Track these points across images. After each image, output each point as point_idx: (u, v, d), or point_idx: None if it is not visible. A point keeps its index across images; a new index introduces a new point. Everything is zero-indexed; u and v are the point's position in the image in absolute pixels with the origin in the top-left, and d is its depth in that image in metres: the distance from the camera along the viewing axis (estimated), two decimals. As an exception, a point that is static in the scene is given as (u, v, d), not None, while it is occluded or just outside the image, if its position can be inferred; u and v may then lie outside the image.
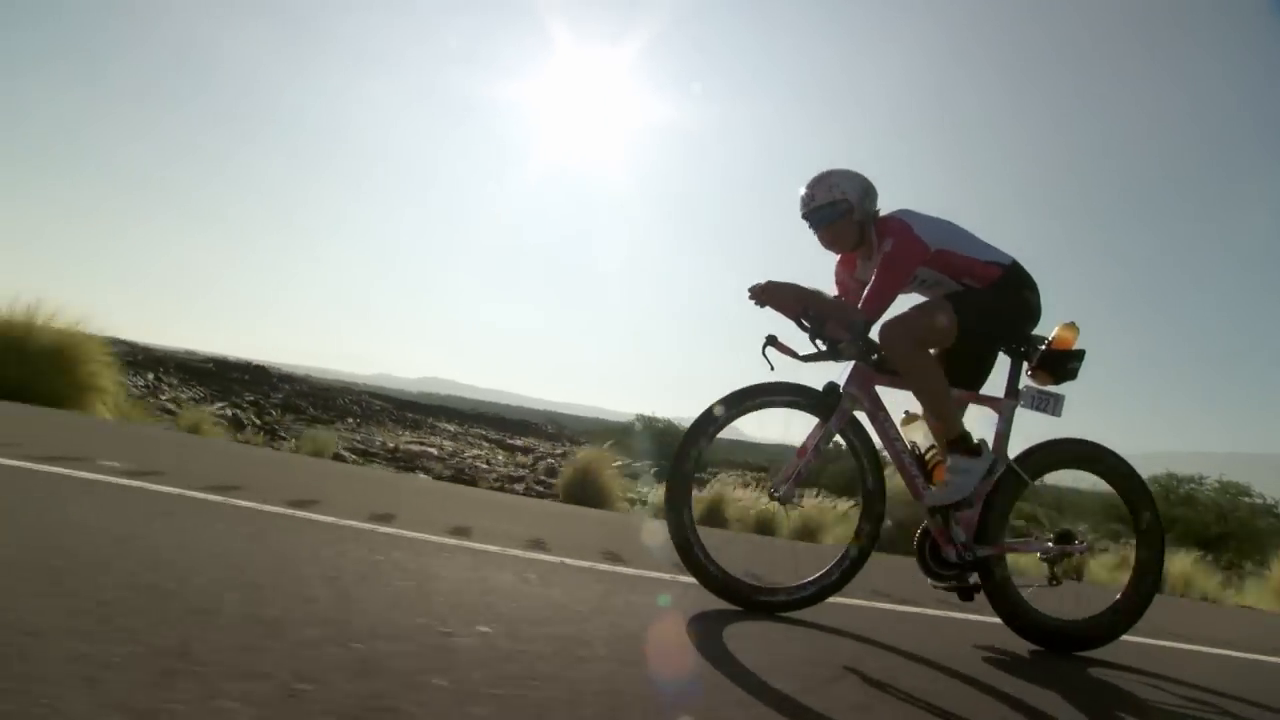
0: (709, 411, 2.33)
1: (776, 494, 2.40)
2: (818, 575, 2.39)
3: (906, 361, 2.40)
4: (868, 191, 2.49)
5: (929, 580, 2.52)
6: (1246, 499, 19.17)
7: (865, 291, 2.40)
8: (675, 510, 2.30)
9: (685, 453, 2.32)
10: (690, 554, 2.29)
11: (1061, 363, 2.54)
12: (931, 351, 2.51)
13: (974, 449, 2.42)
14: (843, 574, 2.39)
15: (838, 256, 2.69)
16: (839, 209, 2.47)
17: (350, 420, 16.19)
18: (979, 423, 2.51)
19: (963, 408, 2.52)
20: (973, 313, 2.45)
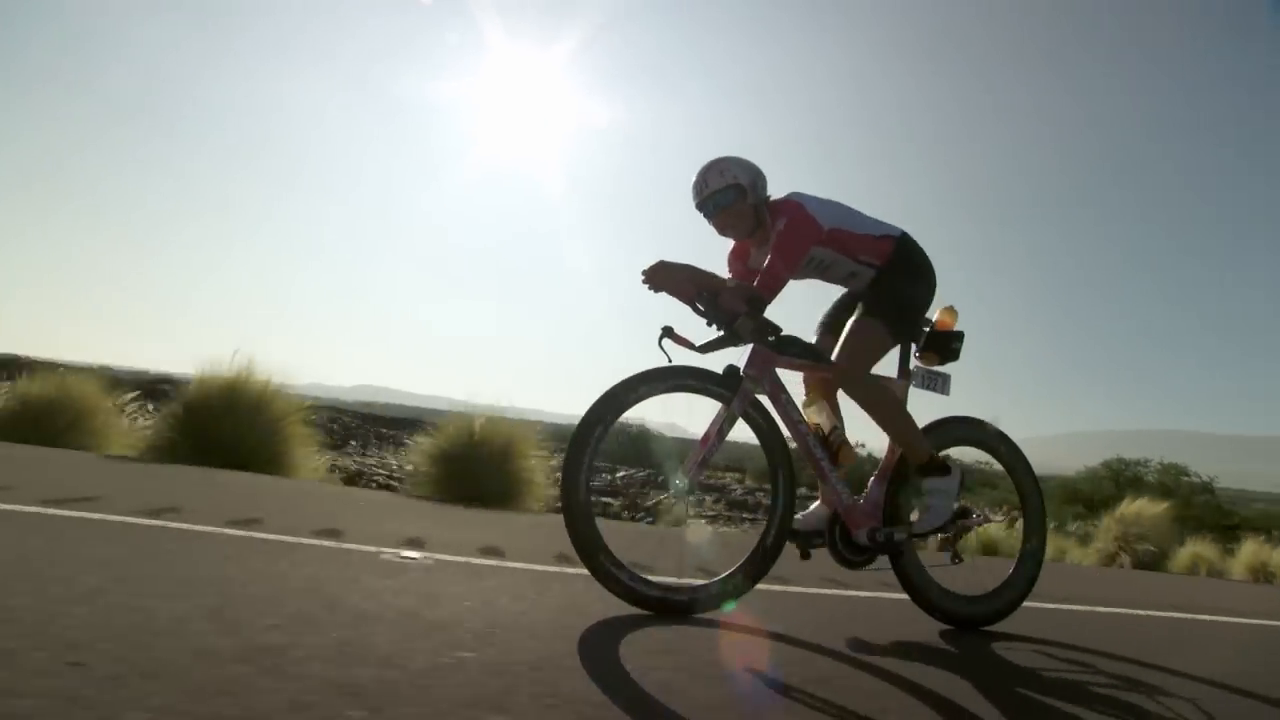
0: (605, 399, 2.17)
1: (679, 484, 2.25)
2: (734, 568, 2.25)
3: (868, 398, 2.42)
4: (759, 177, 2.46)
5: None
6: (1186, 478, 21.46)
7: (762, 271, 2.36)
8: (571, 505, 2.11)
9: (581, 445, 2.14)
10: (588, 550, 2.10)
11: (946, 344, 2.62)
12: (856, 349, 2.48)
13: (944, 468, 2.48)
14: (758, 565, 2.27)
15: (730, 245, 2.65)
16: (731, 194, 2.43)
17: (353, 443, 13.47)
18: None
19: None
20: (891, 307, 2.49)
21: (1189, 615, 3.85)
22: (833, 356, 2.46)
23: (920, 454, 2.46)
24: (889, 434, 2.47)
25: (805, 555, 2.47)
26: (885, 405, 2.43)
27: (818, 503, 2.55)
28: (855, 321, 2.48)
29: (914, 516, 2.49)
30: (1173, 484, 20.81)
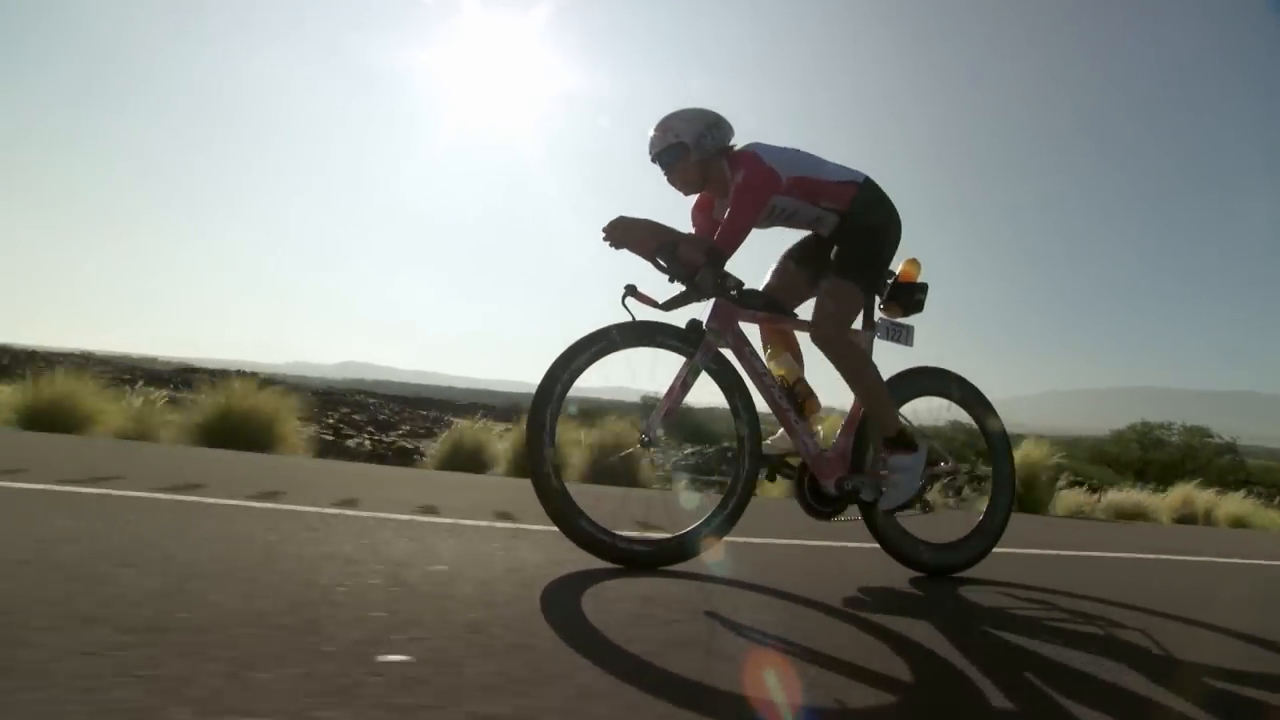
0: (565, 356, 2.12)
1: (646, 437, 2.22)
2: (699, 522, 2.23)
3: (845, 361, 2.39)
4: (711, 128, 2.40)
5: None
6: (1209, 440, 22.10)
7: (721, 224, 2.31)
8: (536, 461, 2.07)
9: (543, 402, 2.10)
10: (554, 505, 2.07)
11: (910, 295, 2.60)
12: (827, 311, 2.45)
13: (911, 444, 2.45)
14: (731, 511, 2.25)
15: (694, 199, 2.60)
16: (674, 152, 2.38)
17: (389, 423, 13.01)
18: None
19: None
20: (862, 261, 2.47)
21: (1147, 556, 3.94)
22: (810, 315, 2.45)
23: (890, 426, 2.44)
24: (862, 399, 2.44)
25: (771, 478, 2.46)
26: (863, 371, 2.41)
27: (781, 430, 2.48)
28: (829, 283, 2.45)
29: (882, 490, 2.44)
30: (1198, 445, 21.55)
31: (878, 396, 2.42)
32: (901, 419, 2.50)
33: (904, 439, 2.45)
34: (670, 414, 2.23)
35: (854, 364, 2.40)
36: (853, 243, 2.47)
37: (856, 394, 2.43)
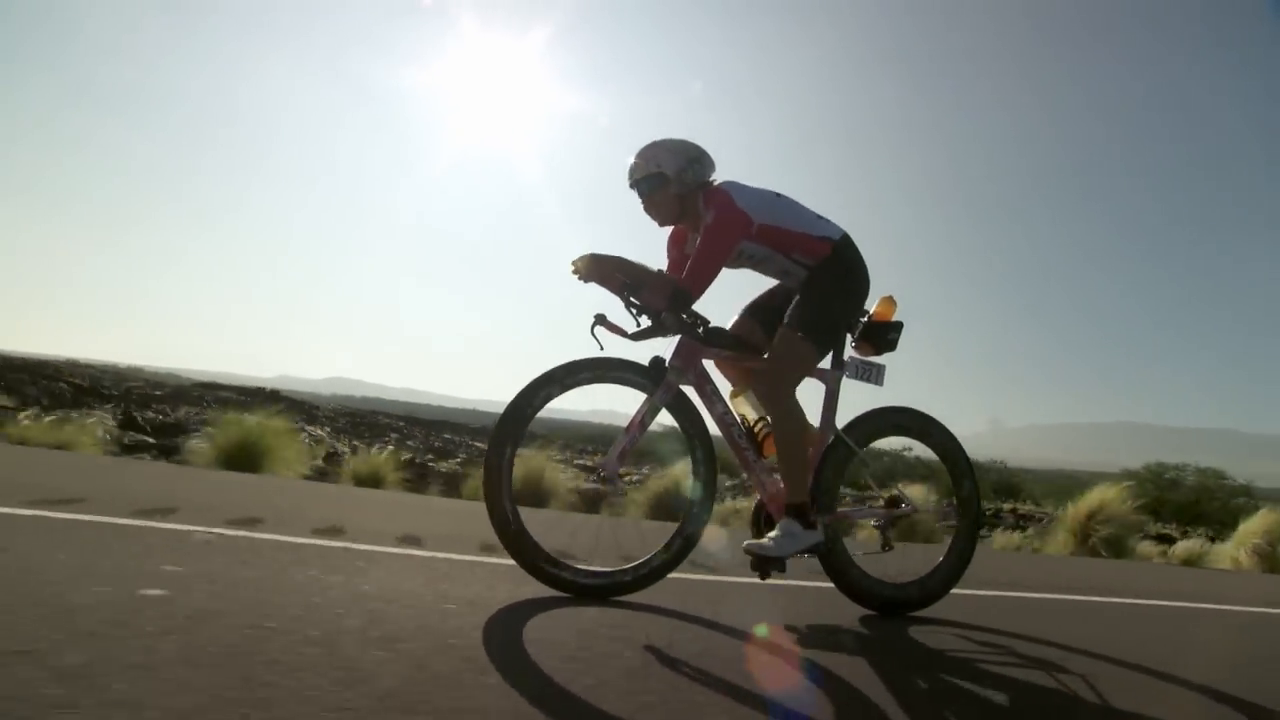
0: (528, 390, 2.23)
1: (603, 472, 2.31)
2: (648, 556, 2.32)
3: (777, 419, 2.39)
4: (693, 162, 2.44)
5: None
6: (1223, 481, 22.02)
7: (689, 264, 2.38)
8: (494, 493, 2.18)
9: (504, 435, 2.20)
10: (510, 537, 2.18)
11: (882, 334, 2.63)
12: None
13: (810, 521, 2.37)
14: (675, 553, 2.33)
15: (669, 230, 2.67)
16: (654, 181, 2.44)
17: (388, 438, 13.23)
18: (806, 393, 2.55)
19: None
20: (819, 322, 2.47)
21: (1119, 599, 3.90)
22: (760, 362, 2.48)
23: (799, 495, 2.37)
24: (781, 459, 2.40)
25: (765, 575, 2.40)
26: (790, 436, 2.37)
27: (774, 531, 2.40)
28: (782, 334, 2.44)
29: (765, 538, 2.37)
30: (1214, 486, 21.34)
31: (796, 462, 2.37)
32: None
33: (804, 514, 2.36)
34: (626, 452, 2.32)
35: (784, 424, 2.37)
36: (815, 300, 2.47)
37: (777, 449, 2.41)
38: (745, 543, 2.38)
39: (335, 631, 1.58)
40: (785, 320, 2.48)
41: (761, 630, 2.10)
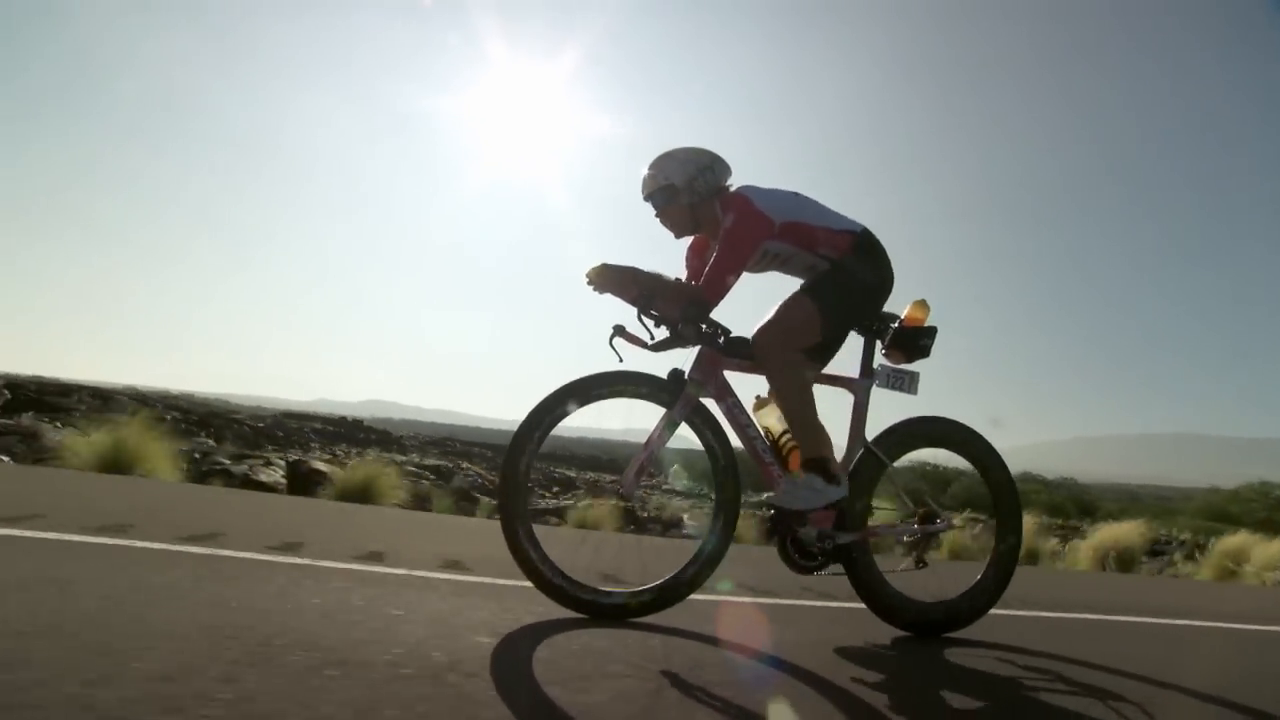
0: (542, 406, 2.17)
1: (621, 490, 2.24)
2: (672, 574, 2.24)
3: (779, 376, 2.32)
4: (704, 170, 2.39)
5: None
6: None
7: (706, 269, 2.31)
8: (508, 511, 2.12)
9: (518, 451, 2.14)
10: (524, 556, 2.12)
11: (914, 340, 2.51)
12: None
13: (833, 477, 2.29)
14: (697, 573, 2.25)
15: (688, 240, 2.60)
16: (665, 194, 2.39)
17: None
18: (833, 403, 2.44)
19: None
20: (833, 295, 2.39)
21: (1164, 620, 3.66)
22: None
23: (816, 450, 2.30)
24: (788, 419, 2.35)
25: (782, 538, 2.32)
26: (794, 388, 2.31)
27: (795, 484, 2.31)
28: (791, 297, 2.40)
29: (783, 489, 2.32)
30: None
31: (805, 419, 2.29)
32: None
33: (823, 466, 2.29)
34: (644, 469, 2.25)
35: (785, 376, 2.30)
36: (832, 277, 2.40)
37: (782, 408, 2.34)
38: (765, 495, 2.31)
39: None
40: (801, 286, 2.42)
41: (725, 585, 1.98)
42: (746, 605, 2.76)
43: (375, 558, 2.87)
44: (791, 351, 2.33)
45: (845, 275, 2.41)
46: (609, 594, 2.18)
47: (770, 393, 2.51)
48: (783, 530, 2.36)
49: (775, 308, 2.40)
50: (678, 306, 2.26)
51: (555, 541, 2.21)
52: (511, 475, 2.13)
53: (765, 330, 2.35)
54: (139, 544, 2.57)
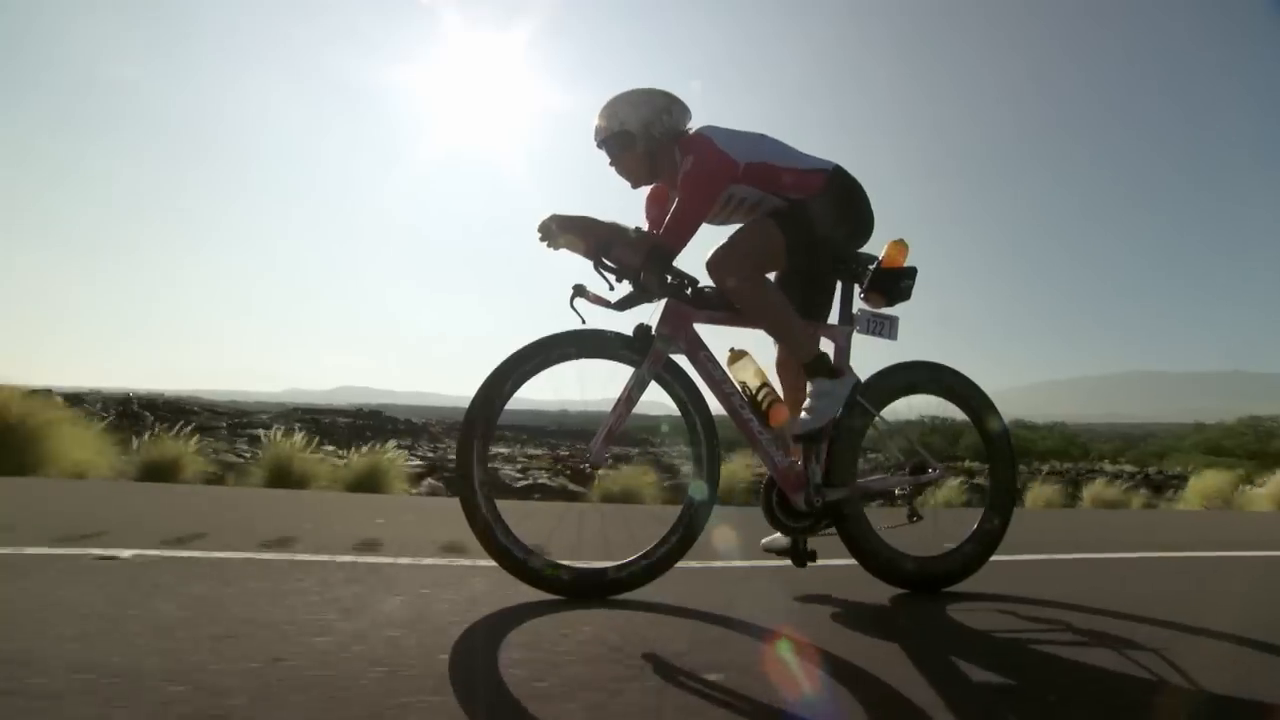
0: (499, 372, 1.97)
1: (589, 459, 2.05)
2: (652, 545, 2.07)
3: (743, 293, 2.15)
4: (661, 113, 2.20)
5: (772, 537, 2.29)
6: None
7: (668, 217, 2.12)
8: (467, 483, 1.93)
9: (471, 430, 1.95)
10: (490, 536, 1.93)
11: (894, 282, 2.34)
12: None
13: (833, 370, 2.23)
14: (681, 540, 2.08)
15: (646, 190, 2.41)
16: (620, 140, 2.20)
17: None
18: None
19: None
20: (803, 227, 2.21)
21: (1155, 554, 3.60)
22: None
23: (806, 352, 2.21)
24: (768, 330, 2.23)
25: (801, 563, 2.24)
26: (763, 300, 2.16)
27: (807, 401, 2.23)
28: (747, 222, 2.25)
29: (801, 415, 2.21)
30: None
31: (784, 323, 2.18)
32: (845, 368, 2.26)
33: (824, 364, 2.22)
34: (613, 434, 2.06)
35: (752, 293, 2.15)
36: (801, 210, 2.22)
37: (756, 322, 2.20)
38: (795, 430, 2.18)
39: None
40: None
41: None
42: (737, 570, 2.60)
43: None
44: (744, 264, 2.16)
45: (818, 210, 2.23)
46: (584, 571, 2.01)
47: (737, 347, 2.35)
48: (769, 492, 2.21)
49: (732, 233, 2.23)
50: (638, 254, 2.07)
51: (536, 517, 2.02)
52: (466, 451, 1.93)
53: (721, 251, 2.17)
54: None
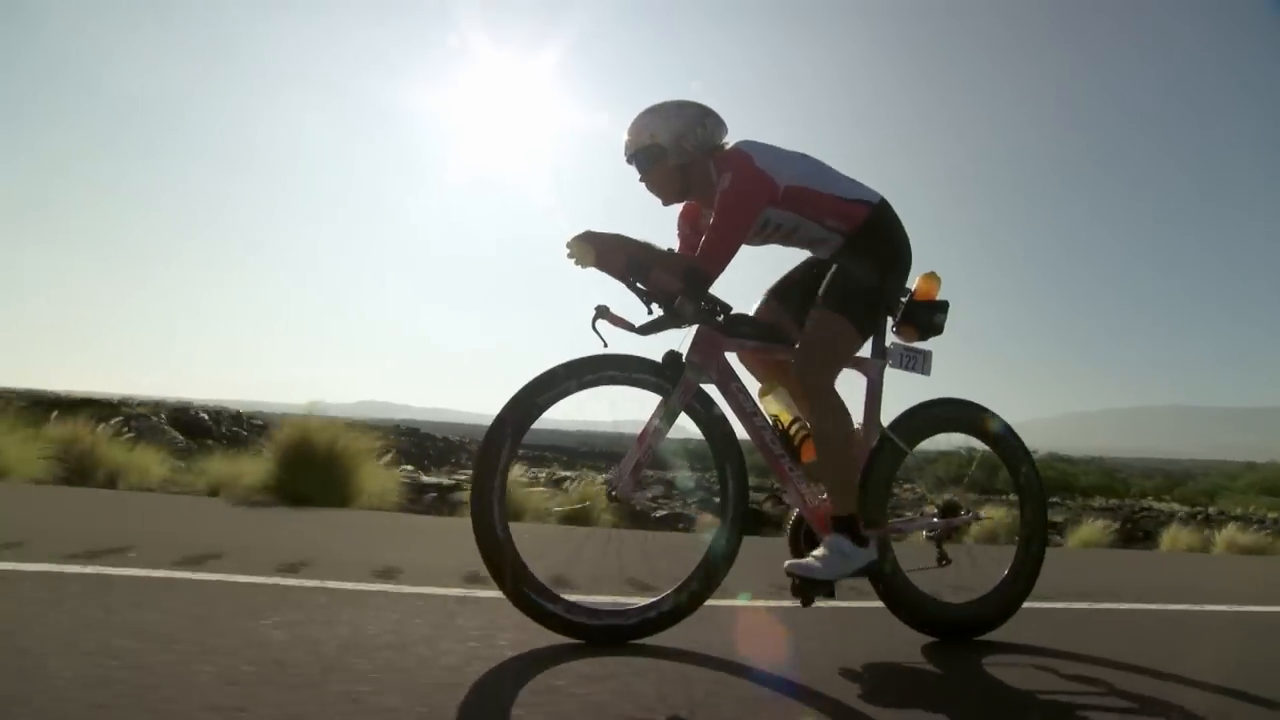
0: (513, 405, 1.86)
1: (614, 490, 1.94)
2: (678, 585, 1.95)
3: (820, 412, 2.04)
4: (694, 125, 2.09)
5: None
6: None
7: (703, 240, 2.02)
8: (484, 513, 1.81)
9: (491, 458, 1.83)
10: (516, 589, 1.82)
11: (928, 315, 2.26)
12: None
13: (862, 539, 2.03)
14: (692, 596, 1.96)
15: (679, 208, 2.32)
16: (650, 154, 2.09)
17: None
18: (845, 387, 2.17)
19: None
20: (860, 298, 2.12)
21: (1201, 607, 3.49)
22: (793, 353, 2.10)
23: (846, 506, 2.03)
24: (824, 465, 2.06)
25: (808, 602, 2.05)
26: (833, 436, 2.02)
27: (819, 549, 2.04)
28: (818, 315, 2.11)
29: (812, 555, 2.02)
30: None
31: (841, 467, 2.04)
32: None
33: (854, 528, 2.02)
34: (641, 466, 1.96)
35: (826, 421, 2.02)
36: (853, 273, 2.12)
37: (819, 451, 2.06)
38: (786, 563, 2.02)
39: None
40: (820, 297, 2.13)
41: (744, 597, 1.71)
42: (759, 612, 2.48)
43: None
44: (831, 386, 2.06)
45: (862, 265, 2.13)
46: (605, 613, 1.89)
47: (772, 374, 2.25)
48: (796, 529, 2.11)
49: (806, 331, 2.12)
50: (674, 277, 1.97)
51: (548, 541, 1.90)
52: (486, 485, 1.81)
53: (800, 365, 2.07)
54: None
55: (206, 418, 11.68)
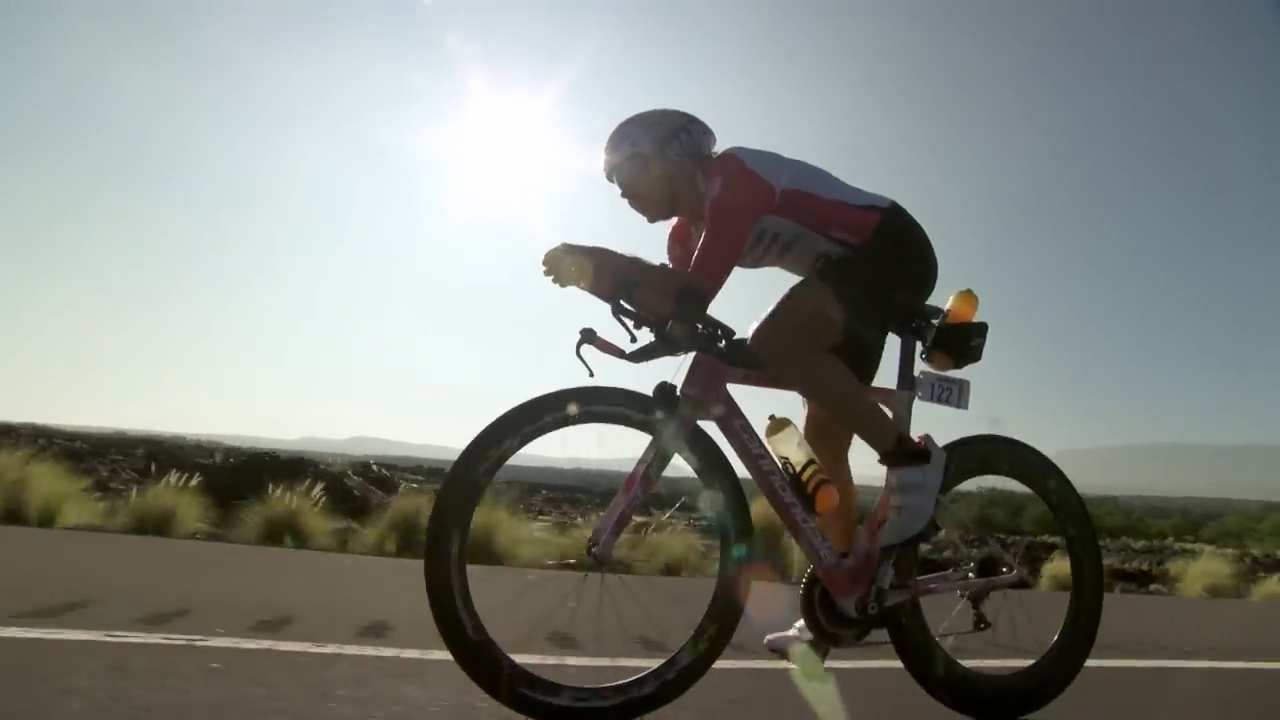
0: (474, 447, 1.60)
1: (595, 549, 1.66)
2: (671, 655, 1.68)
3: (796, 368, 1.81)
4: (678, 132, 1.86)
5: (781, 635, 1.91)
6: None
7: (696, 253, 1.76)
8: (445, 598, 1.54)
9: (445, 518, 1.57)
10: (471, 654, 1.54)
11: (963, 340, 1.97)
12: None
13: (918, 451, 1.83)
14: (708, 648, 1.69)
15: (670, 226, 2.06)
16: (630, 167, 1.86)
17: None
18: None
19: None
20: (860, 284, 1.84)
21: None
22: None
23: (883, 438, 1.83)
24: (838, 416, 1.88)
25: (926, 538, 1.84)
26: (829, 378, 1.80)
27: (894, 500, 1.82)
28: (792, 286, 1.88)
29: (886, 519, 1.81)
30: None
31: (855, 405, 1.85)
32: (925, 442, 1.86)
33: (906, 448, 1.83)
34: (626, 519, 1.68)
35: (812, 366, 1.79)
36: (859, 265, 1.85)
37: (825, 406, 1.87)
38: (884, 541, 1.79)
39: None
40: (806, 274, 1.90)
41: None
42: (764, 672, 2.19)
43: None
44: (798, 339, 1.81)
45: (871, 262, 1.87)
46: (594, 692, 1.61)
47: (810, 419, 1.97)
48: (810, 591, 1.82)
49: (775, 302, 1.87)
50: (666, 296, 1.70)
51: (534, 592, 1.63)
52: (442, 554, 1.54)
53: (766, 326, 1.82)
54: None
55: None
